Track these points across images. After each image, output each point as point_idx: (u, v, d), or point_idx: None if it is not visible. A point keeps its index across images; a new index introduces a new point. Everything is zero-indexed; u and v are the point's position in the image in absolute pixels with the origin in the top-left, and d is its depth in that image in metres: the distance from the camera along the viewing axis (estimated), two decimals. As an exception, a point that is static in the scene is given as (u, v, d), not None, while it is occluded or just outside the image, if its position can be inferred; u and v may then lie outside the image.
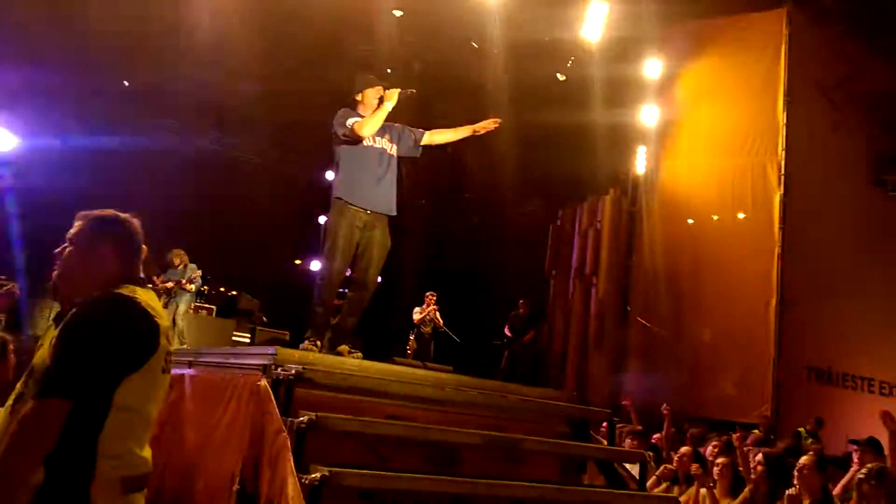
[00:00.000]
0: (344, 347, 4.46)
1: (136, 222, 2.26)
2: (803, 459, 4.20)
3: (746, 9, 11.93)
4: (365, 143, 4.57)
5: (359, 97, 4.71)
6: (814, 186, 11.40)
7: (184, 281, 10.83)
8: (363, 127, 4.48)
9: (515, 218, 13.97)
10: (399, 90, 4.63)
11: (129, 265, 2.19)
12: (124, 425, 1.97)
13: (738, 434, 5.78)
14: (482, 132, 4.87)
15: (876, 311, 11.95)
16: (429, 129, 4.96)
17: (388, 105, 4.57)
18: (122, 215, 2.24)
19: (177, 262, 11.03)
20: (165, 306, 10.62)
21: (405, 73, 13.00)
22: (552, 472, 3.80)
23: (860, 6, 11.57)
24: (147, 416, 2.08)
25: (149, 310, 2.08)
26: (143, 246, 2.26)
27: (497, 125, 4.88)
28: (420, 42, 13.51)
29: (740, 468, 4.72)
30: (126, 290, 2.09)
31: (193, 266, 11.16)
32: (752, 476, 4.29)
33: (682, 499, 4.61)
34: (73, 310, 2.00)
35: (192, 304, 11.37)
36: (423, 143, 4.87)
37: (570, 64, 12.49)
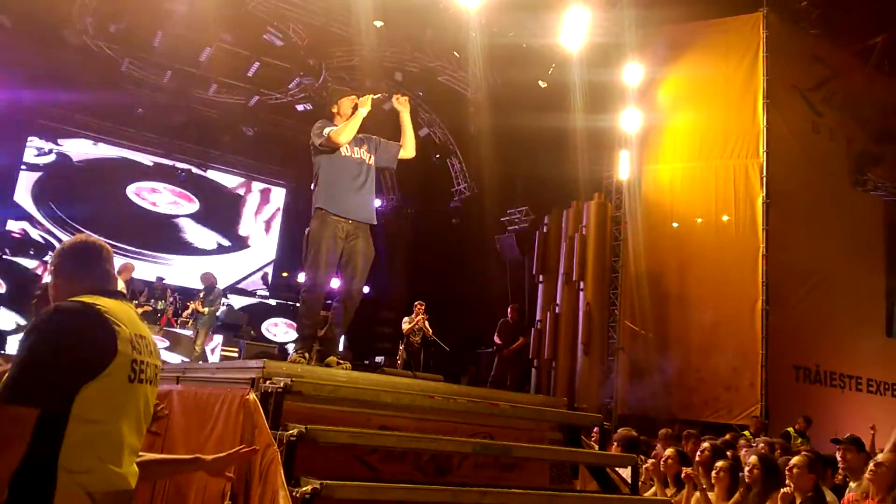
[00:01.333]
0: (332, 359, 4.45)
1: (98, 242, 2.34)
2: (795, 459, 4.22)
3: (724, 13, 12.07)
4: (343, 153, 4.59)
5: (334, 109, 4.77)
6: (796, 187, 11.53)
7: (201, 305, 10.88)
8: (339, 134, 4.52)
9: (502, 224, 13.98)
10: (371, 96, 4.69)
11: (93, 277, 2.22)
12: (88, 437, 1.92)
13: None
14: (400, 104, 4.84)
15: (861, 309, 12.10)
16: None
17: (363, 111, 4.61)
18: (86, 238, 2.35)
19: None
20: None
21: (388, 83, 13.05)
22: (544, 479, 3.80)
23: (835, 9, 11.75)
24: (117, 428, 2.01)
25: (107, 315, 2.04)
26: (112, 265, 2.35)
27: (405, 97, 4.89)
28: (401, 52, 13.56)
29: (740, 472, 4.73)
30: (87, 299, 2.08)
31: (219, 289, 11.28)
32: (747, 478, 4.31)
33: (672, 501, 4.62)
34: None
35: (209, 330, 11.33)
36: (397, 157, 4.89)
37: (552, 71, 12.57)
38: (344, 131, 4.53)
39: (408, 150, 4.92)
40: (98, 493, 1.92)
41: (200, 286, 11.60)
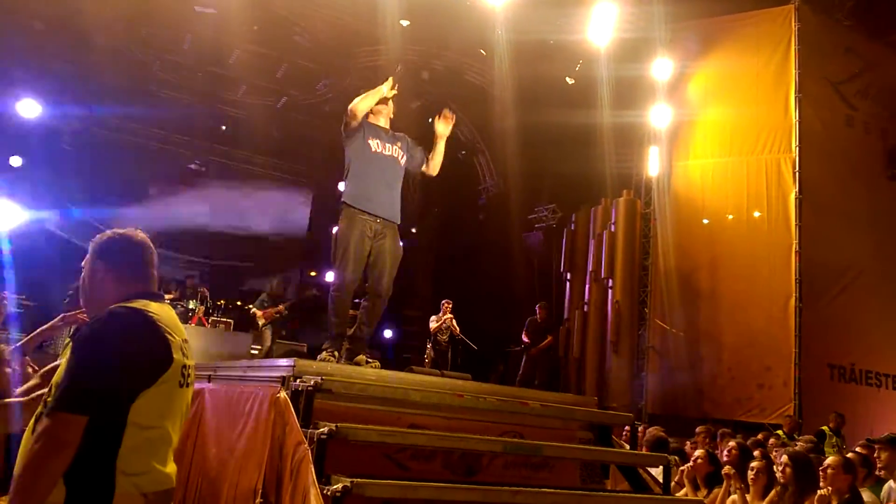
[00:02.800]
0: (361, 357, 4.46)
1: (141, 237, 2.29)
2: (829, 460, 4.14)
3: (754, 6, 11.87)
4: (376, 148, 4.62)
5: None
6: (829, 182, 11.31)
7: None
8: (356, 104, 4.60)
9: (530, 222, 13.93)
10: (391, 77, 4.79)
11: (138, 280, 2.21)
12: (143, 441, 1.96)
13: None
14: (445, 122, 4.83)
15: (896, 306, 11.82)
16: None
17: (383, 87, 4.71)
18: (125, 232, 2.28)
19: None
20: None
21: (414, 81, 13.04)
22: (574, 478, 3.77)
23: (868, 1, 11.50)
24: (167, 431, 2.07)
25: (161, 324, 2.07)
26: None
27: (452, 115, 4.89)
28: (428, 50, 13.56)
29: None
30: (138, 304, 2.09)
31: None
32: (780, 478, 4.23)
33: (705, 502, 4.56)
34: (85, 325, 2.02)
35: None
36: (419, 168, 4.92)
37: (579, 67, 12.47)
38: (361, 101, 4.62)
39: (431, 168, 4.92)
40: (151, 494, 1.98)
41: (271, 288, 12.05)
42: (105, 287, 2.20)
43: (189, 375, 2.15)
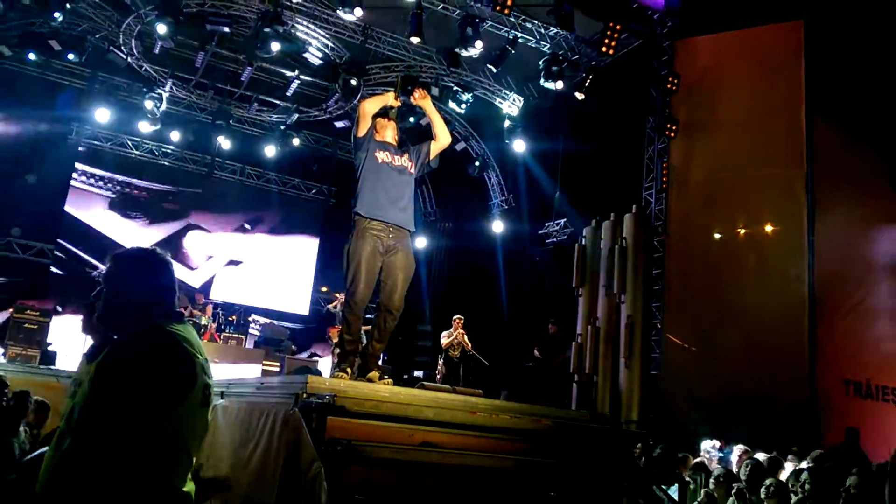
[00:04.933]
0: (374, 374, 4.45)
1: (166, 256, 2.29)
2: (850, 480, 4.10)
3: (762, 21, 11.88)
4: (384, 159, 4.67)
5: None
6: (841, 196, 11.24)
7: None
8: (365, 101, 4.83)
9: (540, 237, 13.93)
10: (395, 85, 5.08)
11: (163, 299, 2.21)
12: (167, 462, 1.98)
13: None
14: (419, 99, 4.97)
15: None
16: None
17: (389, 94, 4.93)
18: (151, 249, 2.28)
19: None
20: None
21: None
22: (588, 496, 3.74)
23: (877, 14, 11.47)
24: (188, 450, 2.08)
25: (186, 345, 2.09)
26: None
27: (420, 90, 5.01)
28: (438, 67, 13.65)
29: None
30: (164, 325, 2.11)
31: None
32: (798, 493, 4.19)
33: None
34: (111, 346, 2.02)
35: None
36: (432, 153, 4.94)
37: (588, 83, 12.51)
38: (369, 101, 4.83)
39: (440, 137, 4.98)
40: None
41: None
42: (131, 306, 2.18)
43: (210, 395, 2.17)
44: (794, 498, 4.40)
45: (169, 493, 1.98)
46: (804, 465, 5.85)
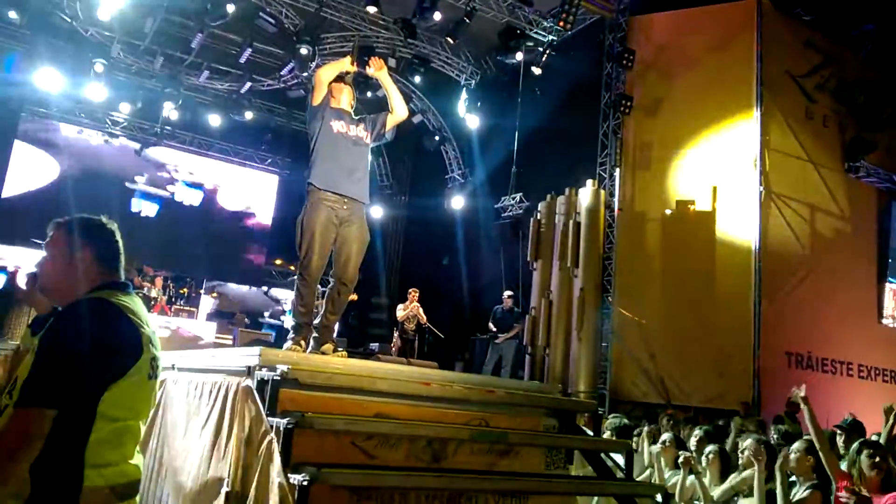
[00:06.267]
0: (328, 346, 4.44)
1: (111, 224, 2.23)
2: (796, 445, 4.27)
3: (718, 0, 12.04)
4: (339, 129, 4.60)
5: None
6: (790, 174, 11.56)
7: None
8: (321, 70, 4.78)
9: (497, 211, 13.99)
10: (351, 50, 4.95)
11: (109, 269, 2.16)
12: (112, 434, 1.94)
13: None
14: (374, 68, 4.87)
15: (853, 296, 12.17)
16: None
17: (345, 60, 4.85)
18: (97, 218, 2.21)
19: None
20: None
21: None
22: (539, 464, 3.82)
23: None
24: (135, 423, 2.05)
25: (132, 316, 2.04)
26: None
27: (377, 59, 4.91)
28: (395, 38, 13.49)
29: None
30: (107, 296, 2.06)
31: None
32: (742, 461, 4.35)
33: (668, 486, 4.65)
34: (54, 316, 1.97)
35: None
36: (388, 126, 4.88)
37: (545, 57, 12.53)
38: (325, 69, 4.76)
39: (396, 110, 4.88)
40: (119, 486, 1.96)
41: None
42: (73, 275, 2.12)
43: (157, 367, 2.13)
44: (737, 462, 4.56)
45: (115, 466, 1.96)
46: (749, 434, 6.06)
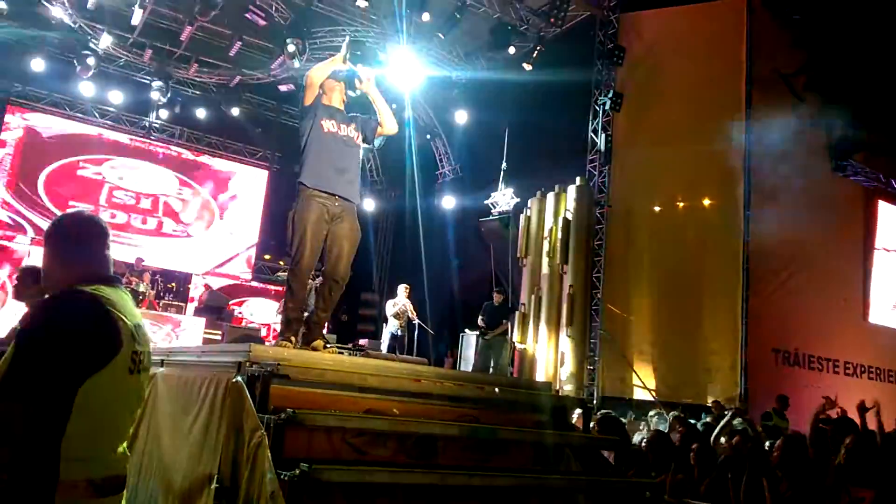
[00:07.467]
0: (319, 342, 4.43)
1: (94, 218, 2.25)
2: (778, 442, 4.31)
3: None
4: (331, 129, 4.57)
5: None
6: (777, 172, 11.62)
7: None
8: (313, 70, 4.67)
9: (487, 207, 14.00)
10: (344, 46, 4.78)
11: (90, 263, 2.15)
12: (90, 427, 1.92)
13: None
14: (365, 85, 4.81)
15: (840, 293, 12.28)
16: None
17: (338, 56, 4.71)
18: (77, 213, 2.24)
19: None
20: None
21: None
22: (529, 461, 3.83)
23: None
24: (116, 417, 2.03)
25: (110, 307, 2.01)
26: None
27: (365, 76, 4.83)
28: (386, 32, 13.44)
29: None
30: (88, 287, 2.04)
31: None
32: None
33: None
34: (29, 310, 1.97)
35: None
36: (377, 135, 4.86)
37: (536, 54, 12.53)
38: (318, 67, 4.65)
39: (385, 125, 4.84)
40: (98, 479, 1.94)
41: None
42: (56, 271, 2.14)
43: (141, 361, 2.10)
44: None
45: (95, 460, 1.94)
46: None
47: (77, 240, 2.17)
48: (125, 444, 2.12)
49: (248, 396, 2.81)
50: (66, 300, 1.99)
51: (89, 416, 1.91)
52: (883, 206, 13.48)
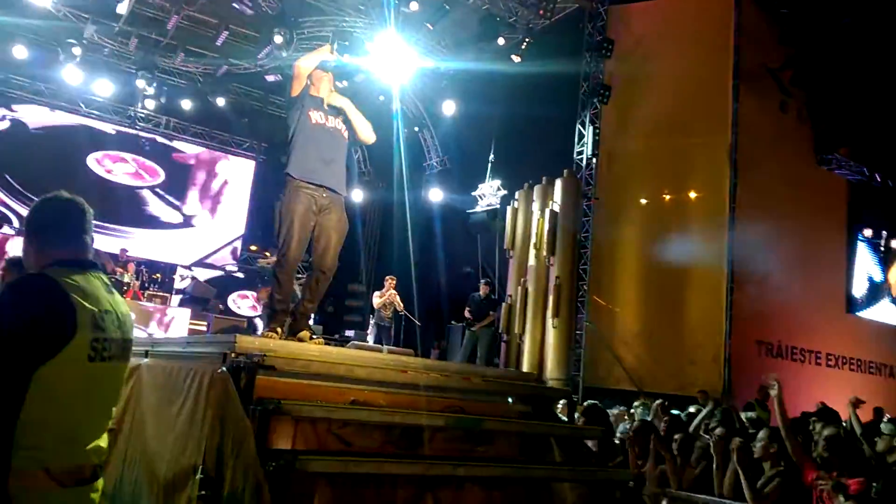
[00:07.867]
0: (305, 333, 4.42)
1: (70, 200, 2.17)
2: (760, 434, 4.37)
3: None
4: (318, 120, 4.56)
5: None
6: (763, 166, 11.69)
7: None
8: (301, 61, 4.68)
9: (474, 199, 14.01)
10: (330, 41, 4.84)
11: (61, 246, 2.09)
12: (46, 415, 1.87)
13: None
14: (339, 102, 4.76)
15: (823, 286, 12.40)
16: None
17: (325, 48, 4.80)
18: (52, 196, 2.16)
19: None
20: None
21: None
22: (515, 451, 3.85)
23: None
24: (77, 405, 1.97)
25: (71, 291, 1.96)
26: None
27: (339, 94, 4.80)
28: (374, 22, 13.37)
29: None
30: (50, 272, 1.99)
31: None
32: (712, 449, 4.43)
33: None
34: None
35: None
36: (355, 137, 4.83)
37: (525, 45, 12.52)
38: (305, 58, 4.67)
39: (361, 137, 4.81)
40: (56, 469, 1.90)
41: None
42: (31, 256, 2.10)
43: (105, 349, 2.02)
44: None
45: (53, 449, 1.91)
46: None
47: (53, 225, 2.12)
48: (103, 436, 2.08)
49: (234, 387, 2.81)
50: (21, 286, 1.96)
51: (46, 404, 1.87)
52: (866, 200, 13.61)
